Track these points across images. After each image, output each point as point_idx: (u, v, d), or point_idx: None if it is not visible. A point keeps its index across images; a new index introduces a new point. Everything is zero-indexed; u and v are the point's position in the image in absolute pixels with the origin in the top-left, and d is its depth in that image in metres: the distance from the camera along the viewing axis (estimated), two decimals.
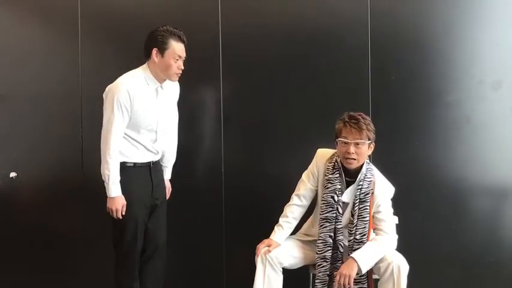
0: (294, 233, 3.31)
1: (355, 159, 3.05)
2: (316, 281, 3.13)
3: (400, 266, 2.99)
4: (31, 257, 3.83)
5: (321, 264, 3.11)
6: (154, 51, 3.15)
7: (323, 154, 3.24)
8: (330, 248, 3.11)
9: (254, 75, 3.74)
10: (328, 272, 3.10)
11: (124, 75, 3.19)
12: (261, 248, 3.11)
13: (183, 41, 3.19)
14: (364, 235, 3.10)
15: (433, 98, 3.68)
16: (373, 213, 3.12)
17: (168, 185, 3.49)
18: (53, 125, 3.81)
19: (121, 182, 3.14)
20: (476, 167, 3.69)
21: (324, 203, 3.14)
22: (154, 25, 3.66)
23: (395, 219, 3.27)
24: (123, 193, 3.15)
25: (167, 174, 3.47)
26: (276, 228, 3.22)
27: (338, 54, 3.69)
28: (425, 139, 3.69)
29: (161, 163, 3.40)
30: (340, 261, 3.11)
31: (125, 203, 3.14)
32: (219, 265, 3.78)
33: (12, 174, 3.79)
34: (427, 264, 3.61)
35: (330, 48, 3.69)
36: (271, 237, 3.19)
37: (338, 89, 3.70)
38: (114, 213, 3.13)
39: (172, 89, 3.35)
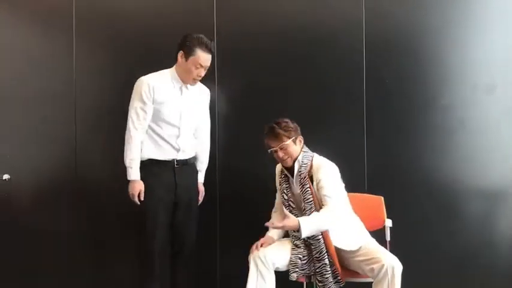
0: (287, 234, 3.31)
1: (286, 160, 3.23)
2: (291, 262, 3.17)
3: (394, 266, 2.98)
4: (25, 258, 3.80)
5: (294, 248, 3.19)
6: (180, 53, 3.26)
7: (278, 166, 3.41)
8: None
9: (248, 75, 3.76)
10: (301, 256, 3.16)
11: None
12: (254, 247, 3.13)
13: (210, 51, 3.26)
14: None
15: (427, 102, 3.69)
16: (317, 190, 3.18)
17: (201, 188, 3.51)
18: (47, 126, 3.80)
19: (141, 178, 3.24)
20: (471, 170, 3.68)
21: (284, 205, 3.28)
22: (148, 26, 3.74)
23: (342, 191, 3.26)
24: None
25: (200, 178, 3.51)
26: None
27: (332, 58, 3.70)
28: (419, 142, 3.68)
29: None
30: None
31: (143, 189, 3.23)
32: (212, 265, 3.76)
33: (5, 177, 3.76)
34: (422, 265, 3.59)
35: (325, 52, 3.70)
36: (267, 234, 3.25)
37: (332, 92, 3.71)
38: (132, 198, 3.23)
39: (201, 92, 3.45)
